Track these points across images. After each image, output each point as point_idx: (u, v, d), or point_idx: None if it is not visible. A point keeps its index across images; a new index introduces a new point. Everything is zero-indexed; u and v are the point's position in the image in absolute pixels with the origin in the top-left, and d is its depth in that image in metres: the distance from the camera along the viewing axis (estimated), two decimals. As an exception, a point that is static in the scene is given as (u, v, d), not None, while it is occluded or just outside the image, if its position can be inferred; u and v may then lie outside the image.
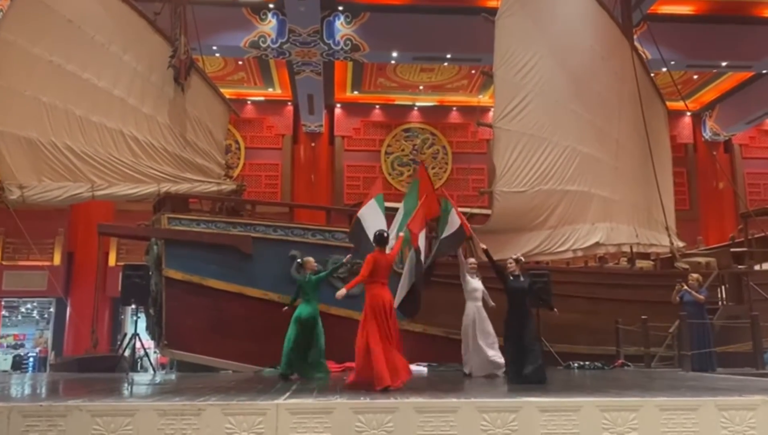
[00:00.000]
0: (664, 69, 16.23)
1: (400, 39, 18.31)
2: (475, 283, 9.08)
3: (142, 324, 12.25)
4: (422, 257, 8.12)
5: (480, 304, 8.98)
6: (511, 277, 7.90)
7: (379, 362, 6.19)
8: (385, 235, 7.23)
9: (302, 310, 8.18)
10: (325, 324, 8.49)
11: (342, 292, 6.73)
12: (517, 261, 8.17)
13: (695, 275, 10.93)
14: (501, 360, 8.47)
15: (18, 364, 19.95)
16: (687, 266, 13.23)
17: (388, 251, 7.21)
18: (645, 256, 14.55)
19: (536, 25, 12.45)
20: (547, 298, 9.46)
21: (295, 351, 8.05)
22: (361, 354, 6.44)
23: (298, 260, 8.28)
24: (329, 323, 9.04)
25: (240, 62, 20.48)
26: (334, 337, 8.74)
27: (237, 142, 23.02)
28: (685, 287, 10.57)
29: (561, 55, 12.73)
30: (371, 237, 7.31)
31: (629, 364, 11.11)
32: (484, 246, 8.51)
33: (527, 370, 7.24)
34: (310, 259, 8.77)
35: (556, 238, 12.41)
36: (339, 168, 23.54)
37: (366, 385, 6.18)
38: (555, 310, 8.62)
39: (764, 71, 20.28)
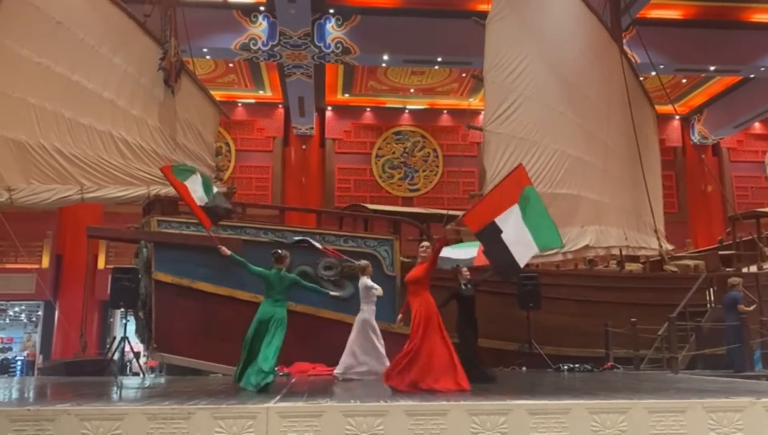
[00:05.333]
0: (653, 73, 16.35)
1: (390, 42, 18.35)
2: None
3: (131, 327, 12.18)
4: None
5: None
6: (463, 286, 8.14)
7: None
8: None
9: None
10: (315, 326, 8.48)
11: None
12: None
13: (737, 279, 11.22)
14: None
15: (5, 368, 19.81)
16: (676, 269, 13.33)
17: None
18: (634, 258, 14.64)
19: (526, 28, 12.51)
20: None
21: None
22: None
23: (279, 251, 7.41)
24: (319, 326, 9.04)
25: (230, 64, 20.45)
26: (326, 339, 8.74)
27: (227, 144, 22.99)
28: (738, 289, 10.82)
29: (551, 58, 12.80)
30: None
31: (619, 366, 11.16)
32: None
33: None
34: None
35: (546, 240, 12.43)
36: (330, 170, 23.54)
37: None
38: None
39: (752, 75, 20.48)
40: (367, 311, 8.85)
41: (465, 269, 8.33)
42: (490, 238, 7.14)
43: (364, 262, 9.20)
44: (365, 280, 8.98)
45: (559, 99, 12.85)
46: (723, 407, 4.96)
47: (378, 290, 8.86)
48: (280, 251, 7.36)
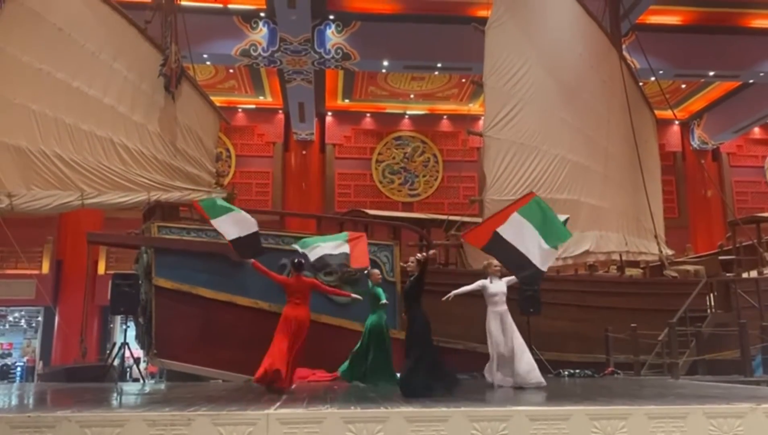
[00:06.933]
0: (653, 78, 16.37)
1: (390, 48, 18.40)
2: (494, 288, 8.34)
3: (131, 333, 12.17)
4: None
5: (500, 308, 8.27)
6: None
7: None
8: (303, 262, 8.17)
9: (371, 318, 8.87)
10: (315, 332, 8.45)
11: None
12: (417, 261, 7.86)
13: None
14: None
15: (5, 374, 19.77)
16: (676, 274, 13.32)
17: None
18: (634, 264, 14.64)
19: (526, 34, 12.55)
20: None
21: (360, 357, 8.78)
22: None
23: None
24: (319, 331, 9.02)
25: (231, 70, 20.49)
26: (326, 345, 8.72)
27: (228, 150, 23.01)
28: None
29: (550, 64, 12.83)
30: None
31: (619, 371, 11.14)
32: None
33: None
34: (376, 271, 9.33)
35: (546, 246, 12.44)
36: (330, 176, 23.56)
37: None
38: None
39: (751, 80, 20.51)
40: (493, 314, 8.23)
41: (412, 260, 7.86)
42: (499, 248, 7.10)
43: (486, 262, 8.51)
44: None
45: (558, 104, 12.88)
46: (724, 413, 4.95)
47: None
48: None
